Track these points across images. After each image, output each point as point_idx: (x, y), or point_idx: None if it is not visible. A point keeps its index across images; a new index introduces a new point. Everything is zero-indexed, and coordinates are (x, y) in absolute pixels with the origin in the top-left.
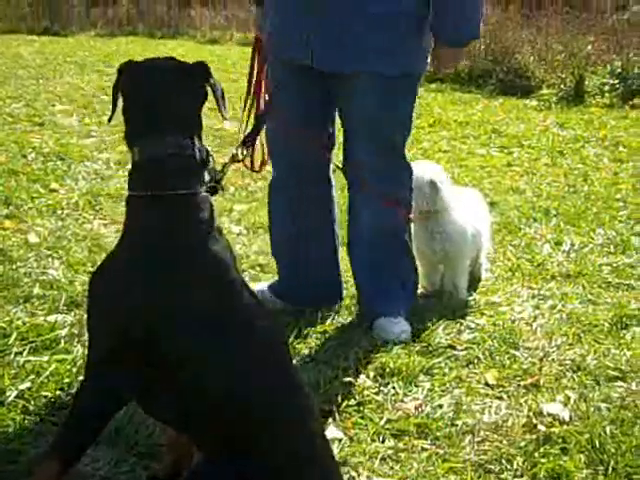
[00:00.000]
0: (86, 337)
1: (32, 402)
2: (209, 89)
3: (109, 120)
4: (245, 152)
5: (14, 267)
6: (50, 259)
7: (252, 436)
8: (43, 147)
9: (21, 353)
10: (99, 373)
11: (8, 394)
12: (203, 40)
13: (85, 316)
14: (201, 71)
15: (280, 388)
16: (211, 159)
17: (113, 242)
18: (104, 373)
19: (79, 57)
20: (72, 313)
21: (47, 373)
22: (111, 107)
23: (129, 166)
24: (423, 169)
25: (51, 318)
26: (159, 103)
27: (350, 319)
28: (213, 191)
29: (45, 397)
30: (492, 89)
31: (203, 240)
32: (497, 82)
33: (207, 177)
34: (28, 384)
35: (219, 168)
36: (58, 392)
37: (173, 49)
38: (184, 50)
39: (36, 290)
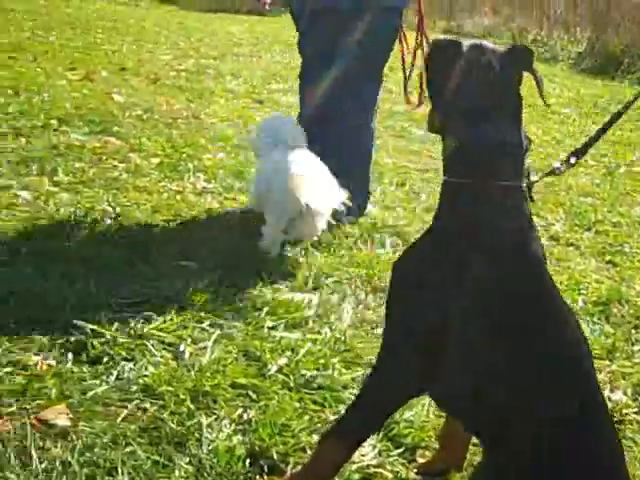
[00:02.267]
0: (332, 319)
1: (291, 378)
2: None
3: (433, 106)
4: None
5: (256, 242)
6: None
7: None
8: None
9: (274, 328)
10: (395, 363)
11: (269, 367)
12: (404, 27)
13: (385, 304)
14: (524, 55)
15: (583, 395)
16: (531, 147)
17: (344, 225)
18: (400, 364)
19: (286, 37)
20: (316, 293)
21: (303, 351)
22: (425, 86)
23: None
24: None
25: (297, 296)
26: (484, 87)
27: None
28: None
29: (303, 375)
30: None
31: (525, 236)
32: None
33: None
34: (285, 360)
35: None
36: (314, 372)
37: None
38: None
39: (280, 266)
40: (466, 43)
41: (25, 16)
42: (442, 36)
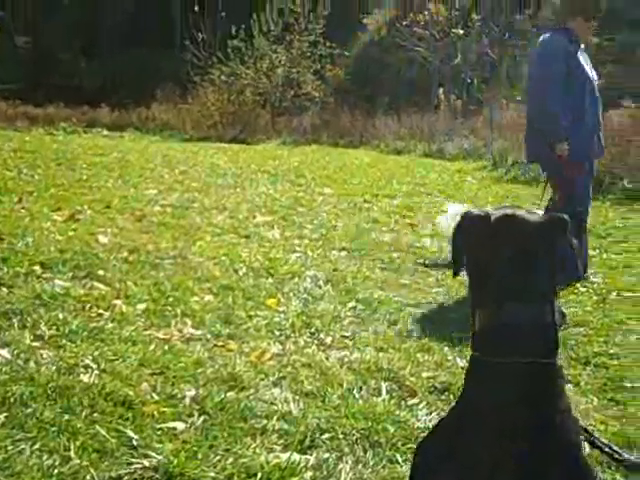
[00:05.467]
0: None
1: None
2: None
3: (455, 275)
4: None
5: (247, 395)
6: (279, 388)
7: None
8: (252, 261)
9: None
10: None
11: None
12: (386, 150)
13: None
14: (561, 227)
15: None
16: (565, 322)
17: (336, 371)
18: None
19: (270, 166)
20: (310, 453)
21: None
22: (453, 261)
23: (474, 328)
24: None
25: (290, 457)
26: (516, 263)
27: None
28: None
29: None
30: None
31: (555, 415)
32: None
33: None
34: None
35: None
36: None
37: (359, 158)
38: (370, 159)
39: (271, 423)
40: (496, 215)
41: (11, 154)
42: (475, 210)
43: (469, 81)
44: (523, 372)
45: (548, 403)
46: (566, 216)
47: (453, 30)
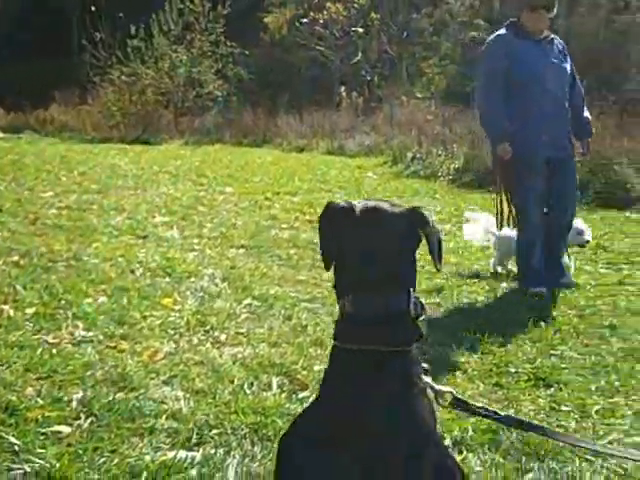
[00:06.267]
0: (216, 478)
1: None
2: (423, 236)
3: (327, 268)
4: None
5: (137, 395)
6: (169, 387)
7: None
8: (149, 262)
9: None
10: None
11: None
12: (289, 148)
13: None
14: (418, 218)
15: None
16: (425, 312)
17: (228, 368)
18: None
19: (172, 166)
20: (197, 449)
21: None
22: (322, 252)
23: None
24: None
25: (178, 455)
26: (373, 253)
27: None
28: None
29: None
30: (589, 201)
31: (411, 401)
32: (594, 194)
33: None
34: None
35: None
36: None
37: (261, 156)
38: (272, 158)
39: (160, 422)
40: (359, 206)
41: None
42: (339, 200)
43: (369, 79)
44: (372, 360)
45: (398, 391)
46: (427, 209)
47: (353, 29)
